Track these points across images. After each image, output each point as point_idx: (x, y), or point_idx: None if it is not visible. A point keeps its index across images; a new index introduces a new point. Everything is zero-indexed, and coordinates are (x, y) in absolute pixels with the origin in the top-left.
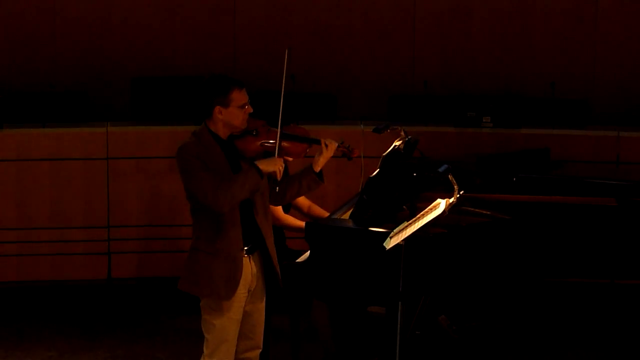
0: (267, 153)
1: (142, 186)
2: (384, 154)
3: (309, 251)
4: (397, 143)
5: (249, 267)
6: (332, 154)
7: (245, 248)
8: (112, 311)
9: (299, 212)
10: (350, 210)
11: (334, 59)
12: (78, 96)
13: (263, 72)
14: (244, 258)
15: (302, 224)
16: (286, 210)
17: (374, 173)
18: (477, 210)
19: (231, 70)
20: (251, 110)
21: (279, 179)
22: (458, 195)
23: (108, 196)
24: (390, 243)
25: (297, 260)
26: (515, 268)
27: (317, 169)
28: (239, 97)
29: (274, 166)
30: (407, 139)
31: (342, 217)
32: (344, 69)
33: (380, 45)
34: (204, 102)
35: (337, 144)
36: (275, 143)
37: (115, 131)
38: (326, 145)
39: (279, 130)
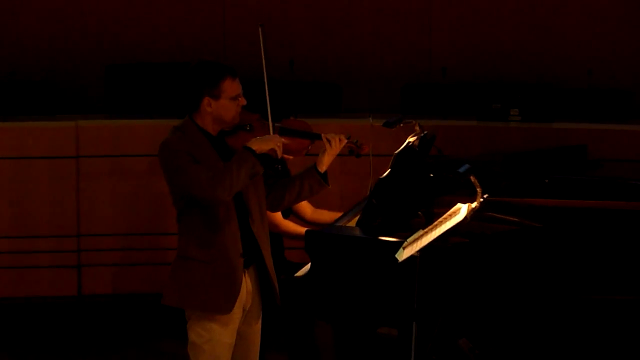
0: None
1: (117, 189)
2: (395, 152)
3: (309, 264)
4: (411, 139)
5: (244, 284)
6: (338, 151)
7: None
8: (83, 333)
9: (299, 219)
10: (357, 217)
11: (338, 43)
12: (44, 85)
13: (257, 58)
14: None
15: (303, 230)
16: (285, 215)
17: (385, 174)
18: (503, 216)
19: (221, 56)
20: (244, 103)
21: (279, 156)
22: (481, 200)
23: (78, 200)
24: (403, 254)
25: (296, 275)
26: (547, 283)
27: (322, 169)
28: (232, 87)
29: (268, 143)
30: (422, 134)
31: (348, 225)
32: (350, 54)
33: (391, 27)
34: (190, 93)
35: (344, 140)
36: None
37: (87, 125)
38: (329, 141)
39: (270, 122)
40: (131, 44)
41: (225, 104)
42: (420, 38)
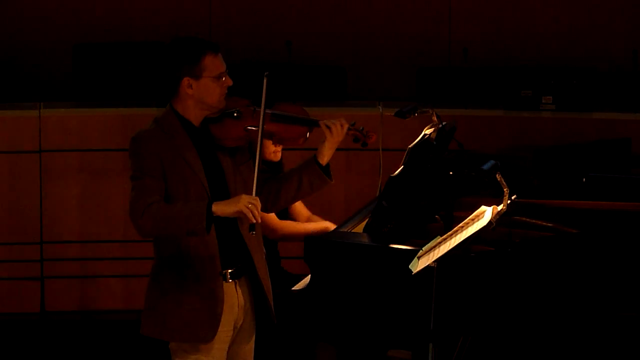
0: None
1: (86, 189)
2: (409, 146)
3: (309, 276)
4: (427, 131)
5: (235, 297)
6: (341, 139)
7: (230, 271)
8: (47, 356)
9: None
10: (365, 222)
11: (342, 19)
12: (1, 68)
13: (247, 38)
14: (227, 284)
15: (309, 227)
16: (282, 218)
17: (397, 171)
18: (534, 221)
19: (205, 35)
20: (230, 83)
21: (252, 221)
22: (509, 201)
23: (41, 202)
24: (418, 265)
25: (294, 288)
26: (586, 298)
27: (323, 161)
28: (214, 64)
29: (236, 205)
30: (440, 125)
31: (354, 231)
32: (356, 32)
33: (404, 1)
34: (168, 74)
35: (347, 125)
36: (261, 123)
37: (52, 115)
38: (329, 128)
39: (262, 112)
40: (103, 20)
41: (207, 84)
42: (438, 14)
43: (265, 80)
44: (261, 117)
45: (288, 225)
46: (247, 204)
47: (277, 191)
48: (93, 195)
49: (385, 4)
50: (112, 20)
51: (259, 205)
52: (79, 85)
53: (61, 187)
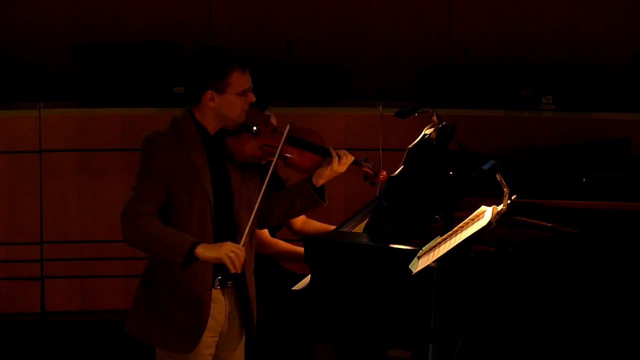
0: (268, 163)
1: (86, 189)
2: (410, 146)
3: (309, 276)
4: (427, 131)
5: (222, 303)
6: (341, 171)
7: (219, 278)
8: (47, 356)
9: (288, 228)
10: (365, 222)
11: (343, 19)
12: (1, 68)
13: (247, 38)
14: (215, 290)
15: (300, 250)
16: (276, 229)
17: (397, 171)
18: (534, 221)
19: (205, 33)
20: (253, 99)
21: (232, 271)
22: (509, 201)
23: (41, 202)
24: (418, 265)
25: (294, 288)
26: (586, 298)
27: (319, 182)
28: (240, 80)
29: (217, 252)
30: (440, 125)
31: (354, 231)
32: (356, 32)
33: (405, 1)
34: (191, 83)
35: (352, 160)
36: (279, 148)
37: (51, 115)
38: (339, 157)
39: (277, 154)
40: (103, 20)
41: (230, 99)
42: (439, 14)
43: (288, 127)
44: (274, 159)
45: (279, 243)
46: (229, 252)
47: (270, 210)
48: (93, 195)
49: (385, 4)
50: (112, 20)
51: (243, 256)
52: (78, 85)
53: (61, 187)
